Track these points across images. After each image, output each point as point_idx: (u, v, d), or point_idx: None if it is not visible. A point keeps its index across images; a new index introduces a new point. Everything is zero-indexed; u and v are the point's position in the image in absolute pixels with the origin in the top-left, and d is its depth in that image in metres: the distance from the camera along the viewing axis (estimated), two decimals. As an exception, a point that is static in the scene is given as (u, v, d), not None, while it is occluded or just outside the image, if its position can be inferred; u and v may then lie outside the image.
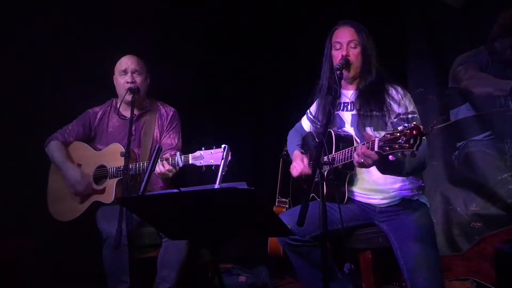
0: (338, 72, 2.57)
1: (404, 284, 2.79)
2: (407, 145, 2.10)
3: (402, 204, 2.63)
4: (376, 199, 2.65)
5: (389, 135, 2.19)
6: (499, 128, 3.74)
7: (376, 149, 2.25)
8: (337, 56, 2.72)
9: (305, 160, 2.78)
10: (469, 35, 3.89)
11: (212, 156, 2.82)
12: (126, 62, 3.28)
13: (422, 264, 2.46)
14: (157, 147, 2.33)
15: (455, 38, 3.94)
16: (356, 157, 2.36)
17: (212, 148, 2.84)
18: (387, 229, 2.62)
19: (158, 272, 3.04)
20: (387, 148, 2.19)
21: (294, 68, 4.48)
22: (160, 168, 2.96)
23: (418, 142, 2.09)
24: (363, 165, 2.37)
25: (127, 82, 3.24)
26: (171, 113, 3.42)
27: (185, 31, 4.30)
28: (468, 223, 3.81)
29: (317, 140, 2.47)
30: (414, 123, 2.14)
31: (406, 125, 2.17)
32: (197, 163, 2.86)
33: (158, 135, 3.37)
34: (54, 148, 3.38)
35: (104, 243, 2.97)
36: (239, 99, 4.59)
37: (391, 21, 4.10)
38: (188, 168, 2.96)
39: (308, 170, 2.72)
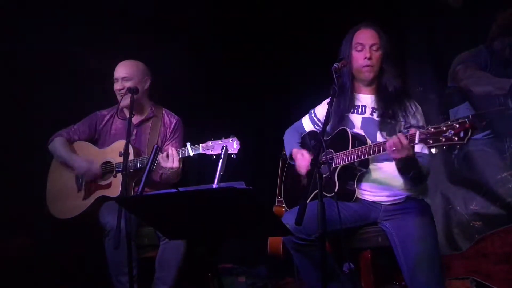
0: (336, 73, 2.52)
1: (403, 283, 2.79)
2: (456, 138, 2.13)
3: (408, 203, 2.62)
4: (383, 197, 2.64)
5: (432, 129, 2.21)
6: (499, 127, 3.74)
7: (417, 141, 2.27)
8: (358, 57, 2.70)
9: (305, 154, 2.78)
10: (469, 34, 3.89)
11: (222, 146, 2.89)
12: (117, 70, 3.33)
13: (422, 264, 2.45)
14: (155, 146, 2.34)
15: (454, 37, 3.95)
16: (391, 144, 2.36)
17: (221, 138, 2.94)
18: (389, 227, 2.61)
19: (156, 273, 3.05)
20: (431, 141, 2.21)
21: (295, 68, 4.48)
22: (171, 164, 3.02)
23: (469, 135, 2.11)
24: (394, 154, 2.38)
25: (118, 89, 3.32)
26: (174, 121, 3.44)
27: (185, 30, 4.30)
28: (468, 222, 3.81)
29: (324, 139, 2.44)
30: (468, 116, 2.16)
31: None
32: (208, 152, 2.95)
33: (160, 142, 3.39)
34: (58, 143, 3.41)
35: (108, 234, 2.99)
36: (239, 99, 4.59)
37: (390, 20, 4.10)
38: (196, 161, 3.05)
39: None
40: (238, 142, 2.92)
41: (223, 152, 2.29)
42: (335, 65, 2.58)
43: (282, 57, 4.53)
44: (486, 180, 3.75)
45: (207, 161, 2.90)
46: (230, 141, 2.94)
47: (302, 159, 2.78)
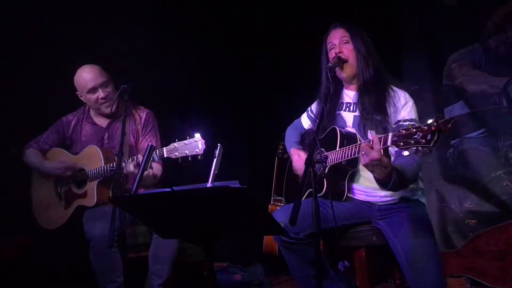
0: (331, 72, 2.58)
1: (398, 281, 2.80)
2: (423, 140, 2.07)
3: (402, 202, 2.63)
4: (376, 197, 2.64)
5: (404, 131, 2.16)
6: (493, 125, 3.73)
7: (389, 143, 2.22)
8: (331, 55, 2.74)
9: (301, 154, 2.79)
10: (464, 32, 3.89)
11: (187, 147, 2.75)
12: (92, 79, 3.21)
13: (423, 260, 2.45)
14: (149, 146, 2.34)
15: (449, 35, 3.95)
16: (363, 146, 2.30)
17: (185, 139, 2.76)
18: (385, 226, 2.61)
19: (150, 267, 3.04)
20: (402, 144, 2.15)
21: (289, 67, 4.49)
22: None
23: (435, 138, 2.04)
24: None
25: (102, 98, 3.23)
26: (144, 115, 3.37)
27: (180, 30, 4.31)
28: (463, 220, 3.81)
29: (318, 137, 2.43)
30: (434, 118, 2.09)
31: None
32: (172, 155, 2.78)
33: (133, 140, 3.33)
34: (30, 155, 3.39)
35: (89, 244, 2.97)
36: (233, 97, 4.61)
37: (386, 18, 4.11)
38: (169, 164, 2.96)
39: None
40: (203, 141, 2.70)
41: (217, 151, 2.29)
42: (330, 64, 2.62)
43: (278, 57, 4.54)
44: (480, 178, 3.75)
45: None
46: (195, 140, 2.72)
47: (299, 160, 2.80)
